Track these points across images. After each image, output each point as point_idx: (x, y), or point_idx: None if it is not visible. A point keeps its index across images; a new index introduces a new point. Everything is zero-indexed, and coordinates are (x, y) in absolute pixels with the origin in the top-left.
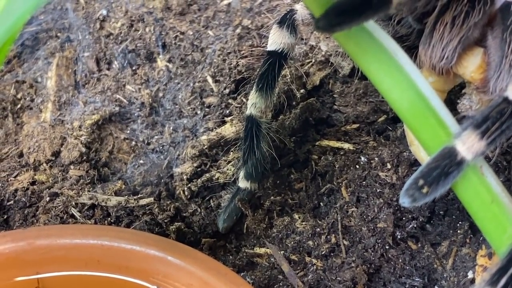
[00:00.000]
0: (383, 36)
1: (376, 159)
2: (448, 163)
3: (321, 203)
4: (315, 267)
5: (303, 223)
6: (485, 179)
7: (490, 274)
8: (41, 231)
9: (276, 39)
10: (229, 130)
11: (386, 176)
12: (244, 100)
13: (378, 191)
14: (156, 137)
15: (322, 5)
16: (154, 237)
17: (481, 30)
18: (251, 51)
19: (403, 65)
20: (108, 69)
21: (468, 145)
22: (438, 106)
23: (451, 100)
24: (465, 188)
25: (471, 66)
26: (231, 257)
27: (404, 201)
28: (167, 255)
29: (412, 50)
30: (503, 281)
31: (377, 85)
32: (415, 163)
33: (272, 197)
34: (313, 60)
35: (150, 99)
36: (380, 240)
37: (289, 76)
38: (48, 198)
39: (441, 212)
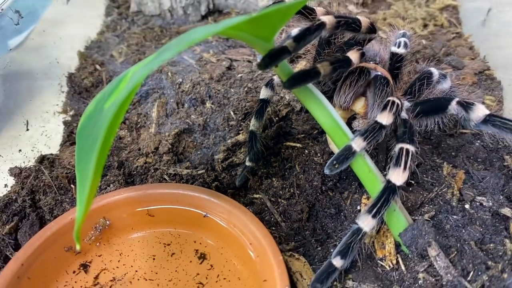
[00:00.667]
0: (316, 91)
1: (313, 151)
2: (348, 153)
3: (286, 173)
4: (283, 203)
5: (277, 182)
6: (366, 160)
7: (368, 206)
8: (150, 186)
9: (264, 93)
10: (241, 137)
11: (317, 159)
12: (249, 122)
13: (314, 166)
14: (206, 140)
15: (286, 75)
16: (204, 189)
17: (364, 88)
18: (252, 98)
19: (326, 105)
20: (182, 107)
21: (357, 144)
22: (342, 125)
23: (349, 123)
24: (356, 164)
25: (359, 106)
26: (242, 199)
27: (326, 171)
28: (211, 198)
29: (330, 98)
30: (374, 210)
31: (313, 115)
32: (331, 153)
33: (262, 170)
34: (282, 103)
35: (203, 122)
36: (314, 191)
37: (270, 111)
38: (152, 170)
39: (344, 177)
